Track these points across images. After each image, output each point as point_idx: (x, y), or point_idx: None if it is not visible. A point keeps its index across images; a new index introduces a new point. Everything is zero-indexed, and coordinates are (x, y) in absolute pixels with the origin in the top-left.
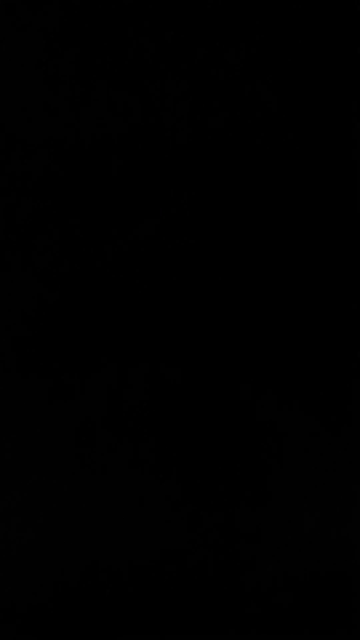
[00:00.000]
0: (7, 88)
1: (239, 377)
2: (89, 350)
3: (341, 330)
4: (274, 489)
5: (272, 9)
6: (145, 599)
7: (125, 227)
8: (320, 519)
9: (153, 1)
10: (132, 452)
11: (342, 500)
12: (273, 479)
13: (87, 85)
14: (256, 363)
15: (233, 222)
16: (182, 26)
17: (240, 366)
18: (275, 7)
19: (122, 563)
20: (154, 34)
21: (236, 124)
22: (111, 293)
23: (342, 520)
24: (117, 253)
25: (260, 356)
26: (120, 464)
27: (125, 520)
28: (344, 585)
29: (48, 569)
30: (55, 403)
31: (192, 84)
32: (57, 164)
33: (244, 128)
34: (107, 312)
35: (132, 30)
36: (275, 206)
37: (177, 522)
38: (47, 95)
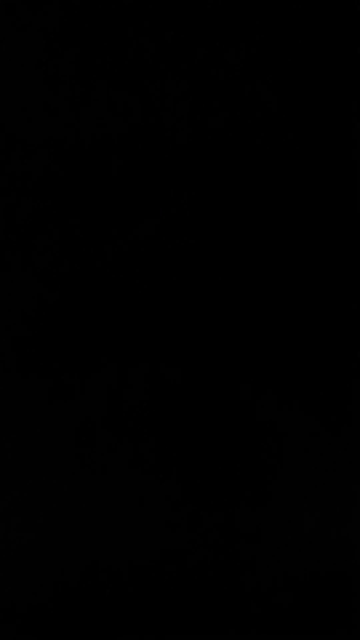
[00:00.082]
0: (7, 88)
1: (239, 377)
2: (89, 350)
3: (341, 331)
4: (274, 489)
5: (272, 9)
6: (145, 599)
7: (125, 227)
8: (320, 519)
9: (153, 1)
10: (132, 452)
11: (342, 500)
12: (273, 479)
13: (87, 85)
14: (256, 363)
15: (233, 222)
16: (182, 26)
17: (240, 366)
18: (275, 7)
19: (122, 563)
20: (154, 34)
21: (236, 124)
22: (111, 293)
23: (342, 520)
24: (117, 253)
25: (260, 356)
26: (120, 464)
27: (125, 520)
28: (344, 585)
29: (48, 569)
30: (55, 403)
31: (192, 84)
32: (57, 164)
33: (244, 128)
34: (107, 312)
35: (132, 30)
36: (275, 206)
37: (177, 522)
38: (47, 95)
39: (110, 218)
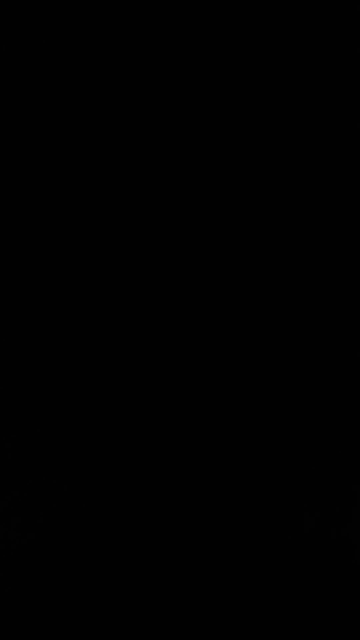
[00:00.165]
0: (7, 88)
1: (239, 377)
2: (89, 350)
3: (341, 331)
4: (274, 489)
5: (272, 9)
6: (145, 599)
7: (125, 227)
8: (320, 519)
9: (153, 1)
10: (132, 452)
11: (342, 500)
12: (273, 479)
13: (87, 85)
14: (256, 363)
15: (233, 222)
16: (182, 26)
17: (240, 366)
18: (275, 7)
19: (122, 563)
20: (154, 34)
21: (236, 124)
22: (111, 293)
23: (342, 520)
24: (117, 253)
25: (260, 356)
26: (120, 464)
27: (125, 520)
28: (344, 585)
29: (48, 569)
30: (55, 403)
31: (192, 84)
32: (57, 164)
33: (244, 128)
34: (107, 312)
35: (132, 30)
36: (275, 206)
37: (177, 522)
38: (47, 95)
39: (110, 218)
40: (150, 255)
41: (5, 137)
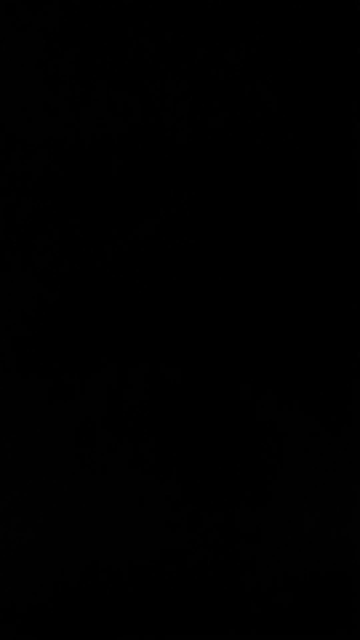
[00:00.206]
0: (7, 88)
1: (239, 377)
2: (89, 350)
3: (341, 331)
4: (274, 489)
5: (272, 9)
6: (145, 599)
7: (125, 227)
8: (320, 519)
9: (153, 1)
10: (132, 452)
11: (342, 500)
12: (273, 479)
13: (87, 85)
14: (256, 363)
15: (233, 222)
16: (182, 26)
17: (240, 366)
18: (275, 7)
19: (122, 563)
20: (154, 34)
21: (236, 124)
22: (111, 293)
23: (342, 520)
24: (117, 253)
25: (260, 356)
26: (120, 464)
27: (125, 520)
28: (344, 585)
29: (48, 569)
30: (55, 403)
31: (192, 84)
32: (57, 164)
33: (244, 128)
34: (107, 312)
35: (132, 30)
36: (275, 206)
37: (177, 522)
38: (47, 95)
39: (110, 218)
40: (150, 255)
41: (5, 137)
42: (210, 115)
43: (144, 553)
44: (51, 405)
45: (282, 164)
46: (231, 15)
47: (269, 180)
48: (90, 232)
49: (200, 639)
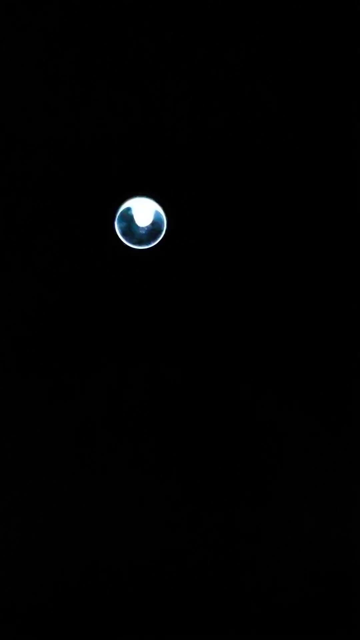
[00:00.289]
0: (7, 88)
1: (239, 377)
2: (89, 350)
3: (341, 331)
4: (274, 489)
5: (272, 9)
6: (145, 599)
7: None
8: (320, 519)
9: (153, 1)
10: (132, 452)
11: (342, 500)
12: (273, 479)
13: (87, 85)
14: (256, 363)
15: (233, 222)
16: (182, 26)
17: (240, 366)
18: (275, 8)
19: (122, 563)
20: (154, 34)
21: (236, 124)
22: (111, 293)
23: (342, 520)
24: (117, 252)
25: (260, 356)
26: (120, 464)
27: (125, 520)
28: (344, 585)
29: (48, 569)
30: (55, 403)
31: (192, 84)
32: (57, 164)
33: (244, 128)
34: (107, 312)
35: (132, 30)
36: (275, 206)
37: (177, 522)
38: (47, 95)
39: (109, 217)
40: (150, 254)
41: (5, 136)
42: (210, 115)
43: (144, 553)
44: (51, 405)
45: (282, 163)
46: (231, 16)
47: (269, 180)
48: (90, 231)
49: (200, 638)
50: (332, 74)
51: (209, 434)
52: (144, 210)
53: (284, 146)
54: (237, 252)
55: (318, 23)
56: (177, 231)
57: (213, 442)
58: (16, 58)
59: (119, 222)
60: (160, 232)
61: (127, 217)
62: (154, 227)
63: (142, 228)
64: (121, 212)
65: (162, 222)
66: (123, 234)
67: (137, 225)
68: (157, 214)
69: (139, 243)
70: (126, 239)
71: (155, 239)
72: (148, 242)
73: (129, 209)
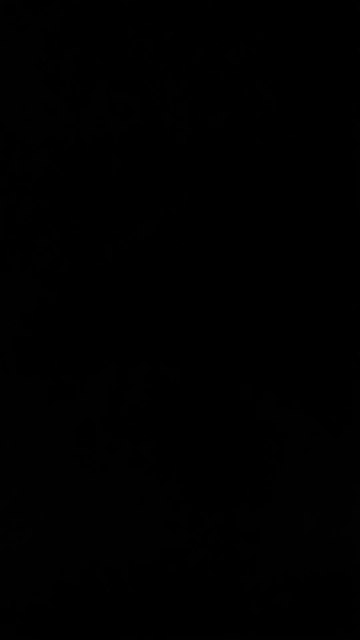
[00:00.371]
0: (7, 88)
1: (239, 377)
2: (89, 350)
3: (341, 331)
4: (274, 489)
5: (272, 9)
6: (145, 599)
7: (125, 227)
8: (320, 519)
9: (153, 1)
10: (132, 452)
11: (342, 500)
12: (273, 479)
13: (87, 85)
14: (256, 363)
15: (233, 222)
16: (182, 26)
17: (240, 366)
18: (275, 7)
19: (122, 563)
20: (154, 34)
21: (236, 124)
22: (111, 293)
23: (342, 520)
24: (117, 253)
25: (260, 356)
26: (120, 464)
27: (125, 520)
28: (344, 585)
29: (48, 569)
30: (55, 403)
31: (192, 84)
32: (57, 164)
33: (244, 128)
34: (107, 312)
35: (132, 30)
36: (275, 206)
37: (177, 522)
38: (47, 95)
39: (110, 218)
40: (150, 255)
41: (5, 137)
42: (211, 115)
43: (144, 553)
44: (51, 405)
45: (282, 164)
46: (231, 15)
47: (269, 180)
48: (90, 232)
49: (200, 639)
50: (332, 74)
51: (209, 434)
52: None
53: (284, 146)
54: (238, 252)
55: (318, 23)
56: (177, 231)
57: (213, 442)
58: (16, 58)
59: None
60: None
61: None
62: None
63: None
64: None
65: None
66: None
67: None
68: None
69: None
70: None
71: None
72: None
73: None
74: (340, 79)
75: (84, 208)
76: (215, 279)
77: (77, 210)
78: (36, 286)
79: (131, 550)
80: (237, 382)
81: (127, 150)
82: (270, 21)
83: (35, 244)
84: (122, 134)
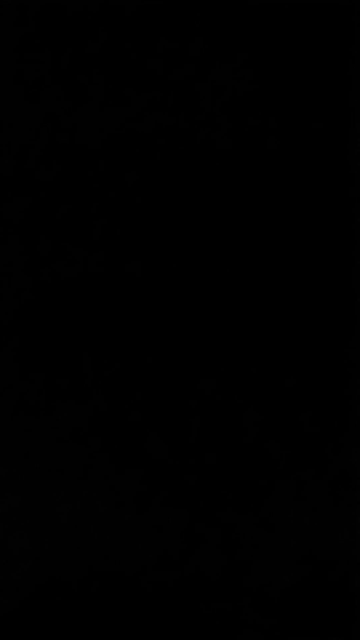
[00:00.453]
0: (7, 92)
1: (239, 377)
2: (89, 350)
3: (341, 331)
4: (274, 491)
5: (271, 20)
6: (145, 601)
7: (125, 228)
8: (321, 520)
9: (152, 18)
10: (131, 453)
11: (342, 501)
12: (273, 480)
13: (84, 94)
14: (256, 363)
15: (232, 226)
16: (182, 33)
17: (240, 366)
18: (274, 19)
19: (122, 566)
20: (152, 45)
21: (236, 130)
22: (111, 294)
23: (342, 521)
24: (118, 253)
25: (260, 356)
26: (119, 465)
27: (125, 523)
28: (343, 587)
29: (48, 572)
30: (55, 403)
31: (192, 87)
32: (57, 165)
33: (244, 133)
34: (107, 313)
35: (130, 44)
36: (273, 213)
37: (177, 524)
38: (47, 99)
39: (110, 218)
40: (150, 255)
41: (5, 139)
42: (209, 121)
43: (143, 555)
44: (51, 405)
45: (282, 168)
46: (227, 23)
47: (268, 185)
48: (90, 232)
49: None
50: (330, 80)
51: (209, 434)
52: None
53: (283, 151)
54: (237, 253)
55: (315, 32)
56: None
57: (213, 444)
58: (17, 66)
59: None
60: None
61: None
62: None
63: None
64: None
65: None
66: None
67: None
68: None
69: None
70: None
71: None
72: None
73: None
74: (338, 85)
75: (84, 208)
76: (215, 279)
77: (77, 210)
78: (36, 286)
79: (131, 551)
80: (237, 383)
81: (127, 153)
82: (267, 30)
83: (35, 244)
84: (121, 136)
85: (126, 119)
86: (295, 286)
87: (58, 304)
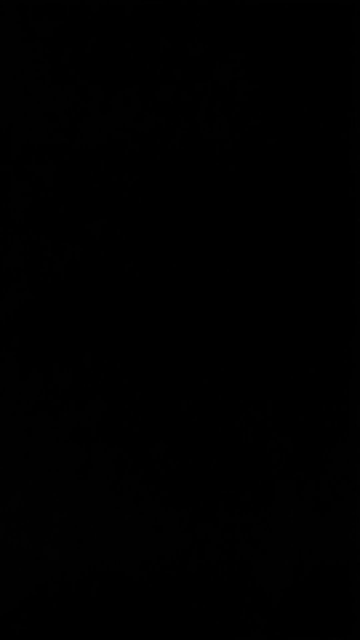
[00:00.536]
0: (7, 92)
1: (239, 378)
2: (89, 350)
3: (341, 331)
4: (274, 490)
5: (271, 20)
6: (145, 601)
7: (125, 228)
8: (320, 519)
9: (152, 18)
10: (131, 453)
11: (342, 500)
12: (273, 480)
13: (85, 95)
14: (256, 363)
15: (231, 227)
16: (182, 34)
17: (240, 367)
18: (274, 19)
19: (122, 566)
20: (153, 45)
21: (234, 131)
22: (111, 294)
23: (342, 520)
24: (117, 254)
25: (260, 357)
26: (120, 465)
27: (125, 523)
28: (343, 585)
29: (48, 572)
30: (55, 403)
31: (192, 88)
32: (57, 165)
33: (244, 134)
34: (107, 313)
35: (130, 45)
36: (273, 213)
37: (177, 523)
38: (47, 101)
39: (110, 218)
40: (150, 256)
41: (5, 140)
42: (209, 122)
43: (143, 555)
44: (51, 405)
45: (281, 169)
46: (228, 24)
47: (267, 187)
48: (90, 232)
49: None
50: (330, 81)
51: (209, 435)
52: None
53: (283, 152)
54: (237, 255)
55: (314, 34)
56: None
57: (213, 444)
58: (17, 66)
59: None
60: None
61: None
62: None
63: None
64: None
65: None
66: None
67: None
68: None
69: None
70: None
71: None
72: None
73: None
74: (337, 86)
75: (84, 208)
76: (215, 280)
77: (77, 210)
78: (36, 286)
79: (130, 551)
80: (237, 383)
81: (127, 154)
82: (270, 32)
83: (35, 244)
84: (121, 138)
85: (126, 119)
86: (296, 286)
87: (58, 304)
